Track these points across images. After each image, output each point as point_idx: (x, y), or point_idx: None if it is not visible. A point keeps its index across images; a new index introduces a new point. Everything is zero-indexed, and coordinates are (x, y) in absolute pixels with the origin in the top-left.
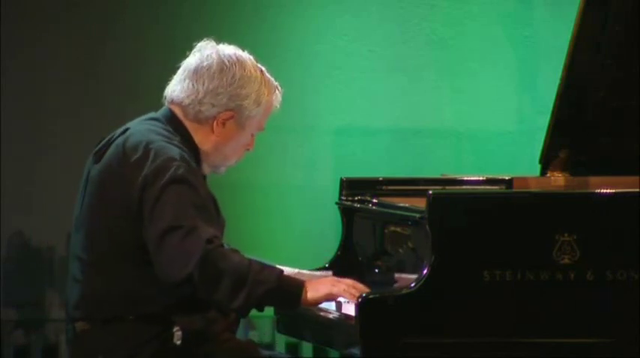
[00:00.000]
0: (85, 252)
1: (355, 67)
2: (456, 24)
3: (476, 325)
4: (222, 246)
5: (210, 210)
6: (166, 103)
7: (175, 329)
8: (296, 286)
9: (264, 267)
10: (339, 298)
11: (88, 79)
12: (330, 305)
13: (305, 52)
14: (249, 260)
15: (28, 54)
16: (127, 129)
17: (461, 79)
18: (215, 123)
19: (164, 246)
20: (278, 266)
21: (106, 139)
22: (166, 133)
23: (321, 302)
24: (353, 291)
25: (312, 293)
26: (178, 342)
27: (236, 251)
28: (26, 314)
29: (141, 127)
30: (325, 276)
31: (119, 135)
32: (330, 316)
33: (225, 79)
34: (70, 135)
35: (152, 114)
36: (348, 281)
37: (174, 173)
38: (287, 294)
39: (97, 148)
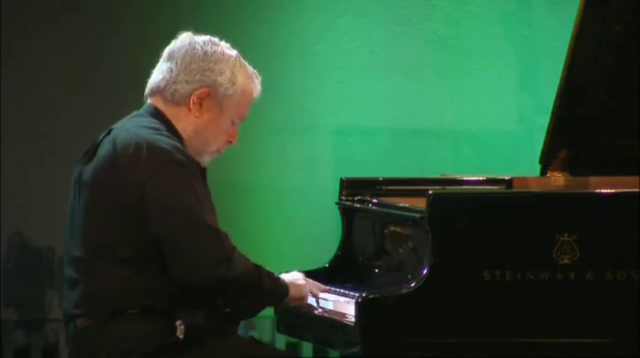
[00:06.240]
0: (84, 251)
1: (355, 67)
2: (456, 24)
3: (476, 325)
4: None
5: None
6: (148, 98)
7: (178, 322)
8: (285, 288)
9: (271, 276)
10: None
11: (88, 79)
12: (330, 305)
13: (305, 52)
14: (259, 269)
15: (27, 54)
16: (111, 130)
17: (461, 79)
18: (191, 102)
19: (185, 245)
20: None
21: (93, 144)
22: (153, 125)
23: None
24: (315, 292)
25: (295, 292)
26: (181, 336)
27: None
28: (26, 314)
29: (127, 125)
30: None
31: (105, 136)
32: (330, 316)
33: (198, 56)
34: (70, 135)
35: (135, 112)
36: (312, 283)
37: (172, 163)
38: (280, 298)
39: (84, 153)
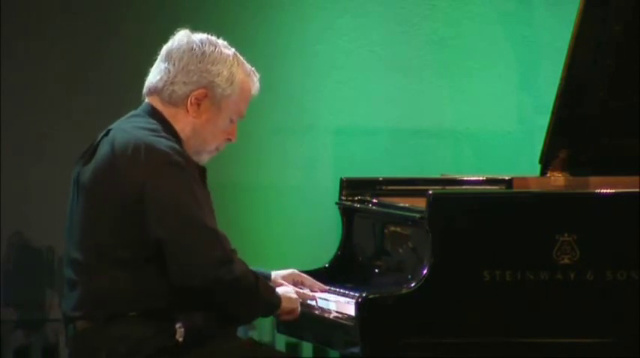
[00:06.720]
0: (83, 253)
1: (355, 67)
2: (456, 24)
3: (476, 325)
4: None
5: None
6: (145, 97)
7: (178, 325)
8: (278, 298)
9: (267, 284)
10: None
11: (88, 79)
12: (330, 305)
13: (305, 52)
14: (256, 275)
15: (27, 54)
16: (109, 131)
17: (461, 79)
18: (189, 103)
19: (186, 246)
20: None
21: (92, 145)
22: (150, 126)
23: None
24: (306, 297)
25: (287, 304)
26: (180, 339)
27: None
28: (26, 314)
29: (124, 126)
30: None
31: (103, 137)
32: (330, 316)
33: (195, 56)
34: (70, 135)
35: (132, 112)
36: (312, 281)
37: (170, 165)
38: (273, 307)
39: (82, 153)
